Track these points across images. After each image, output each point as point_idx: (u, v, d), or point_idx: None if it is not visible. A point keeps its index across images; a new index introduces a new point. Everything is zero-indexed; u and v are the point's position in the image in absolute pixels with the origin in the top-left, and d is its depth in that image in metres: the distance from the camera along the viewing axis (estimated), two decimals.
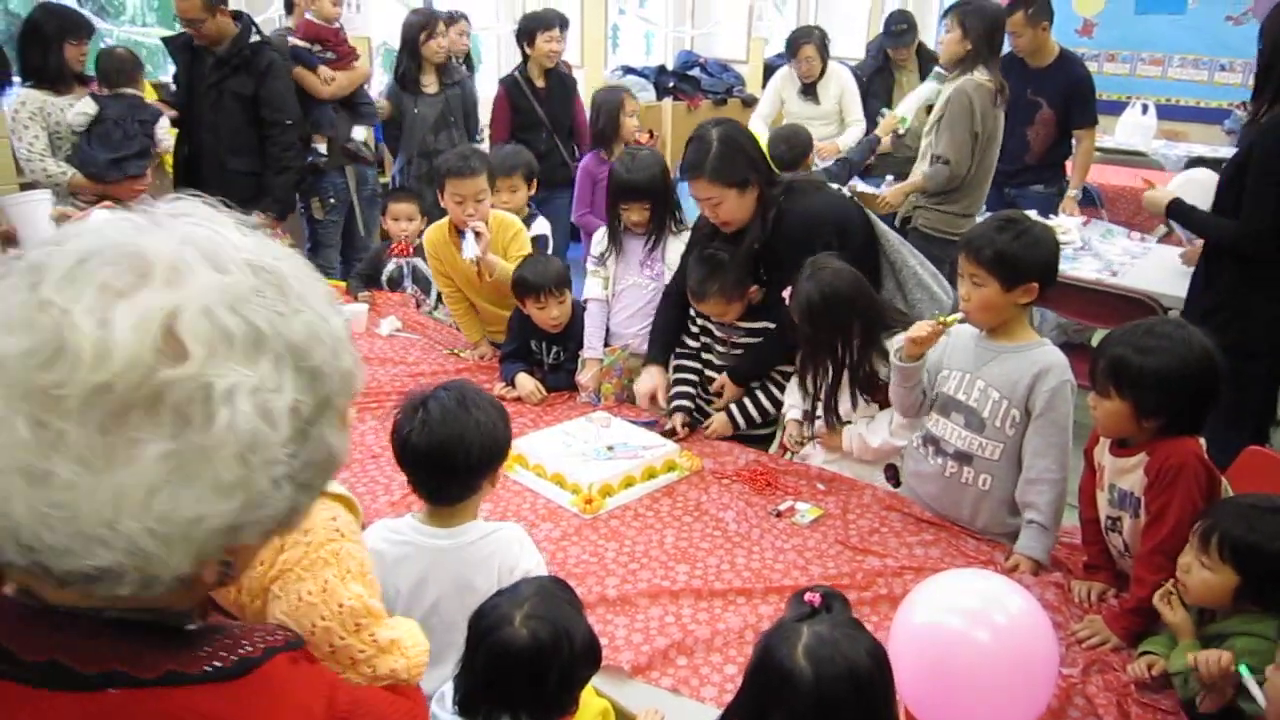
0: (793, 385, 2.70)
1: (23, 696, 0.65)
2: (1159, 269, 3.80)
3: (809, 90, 5.24)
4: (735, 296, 2.60)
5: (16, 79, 3.62)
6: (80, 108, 3.61)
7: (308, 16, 4.43)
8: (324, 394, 0.71)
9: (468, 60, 5.57)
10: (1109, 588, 1.97)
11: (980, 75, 3.84)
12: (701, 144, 2.52)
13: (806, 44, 5.16)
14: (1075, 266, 3.79)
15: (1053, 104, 4.43)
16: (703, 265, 2.60)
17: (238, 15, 3.93)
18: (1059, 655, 1.74)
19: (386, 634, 1.31)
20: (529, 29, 4.71)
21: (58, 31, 3.53)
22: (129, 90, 3.68)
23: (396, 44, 4.89)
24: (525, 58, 4.75)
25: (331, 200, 4.53)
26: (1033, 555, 2.04)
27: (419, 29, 4.68)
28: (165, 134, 3.75)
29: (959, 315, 2.15)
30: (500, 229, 3.15)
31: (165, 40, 4.02)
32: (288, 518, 0.72)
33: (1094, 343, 4.33)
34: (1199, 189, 3.29)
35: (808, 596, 1.29)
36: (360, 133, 4.61)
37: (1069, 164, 4.67)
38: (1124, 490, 1.89)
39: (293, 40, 4.35)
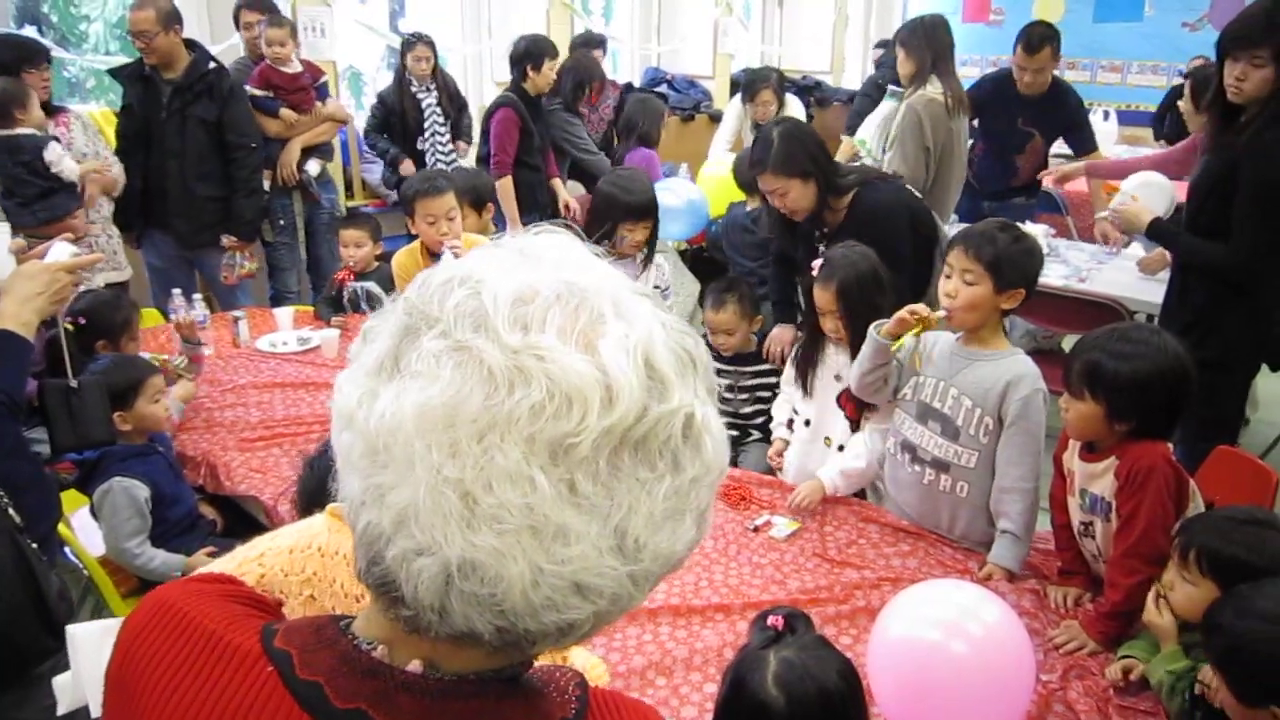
0: (780, 400, 2.72)
1: None
2: (1125, 274, 3.84)
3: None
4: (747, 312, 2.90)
5: None
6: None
7: (266, 61, 4.41)
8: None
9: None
10: (1085, 592, 1.98)
11: (932, 89, 3.83)
12: (765, 141, 2.87)
13: (765, 88, 5.33)
14: (1043, 274, 3.80)
15: (1046, 136, 4.40)
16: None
17: (190, 44, 3.90)
18: (1036, 663, 1.76)
19: (578, 659, 1.30)
20: (537, 54, 4.65)
21: (15, 61, 3.47)
22: (6, 132, 3.40)
23: (363, 69, 4.88)
24: (523, 79, 4.67)
25: (281, 222, 4.51)
26: (1005, 565, 2.05)
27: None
28: (60, 159, 3.47)
29: (941, 312, 2.14)
30: (470, 248, 3.13)
31: (113, 71, 3.93)
32: None
33: (1064, 348, 4.38)
34: (1156, 191, 3.33)
35: (770, 620, 1.28)
36: (314, 167, 4.58)
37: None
38: (1095, 495, 1.90)
39: (250, 89, 4.34)
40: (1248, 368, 2.86)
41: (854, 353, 2.50)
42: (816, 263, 2.55)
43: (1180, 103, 3.73)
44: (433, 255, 3.04)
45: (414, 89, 4.88)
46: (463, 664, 0.62)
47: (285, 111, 4.38)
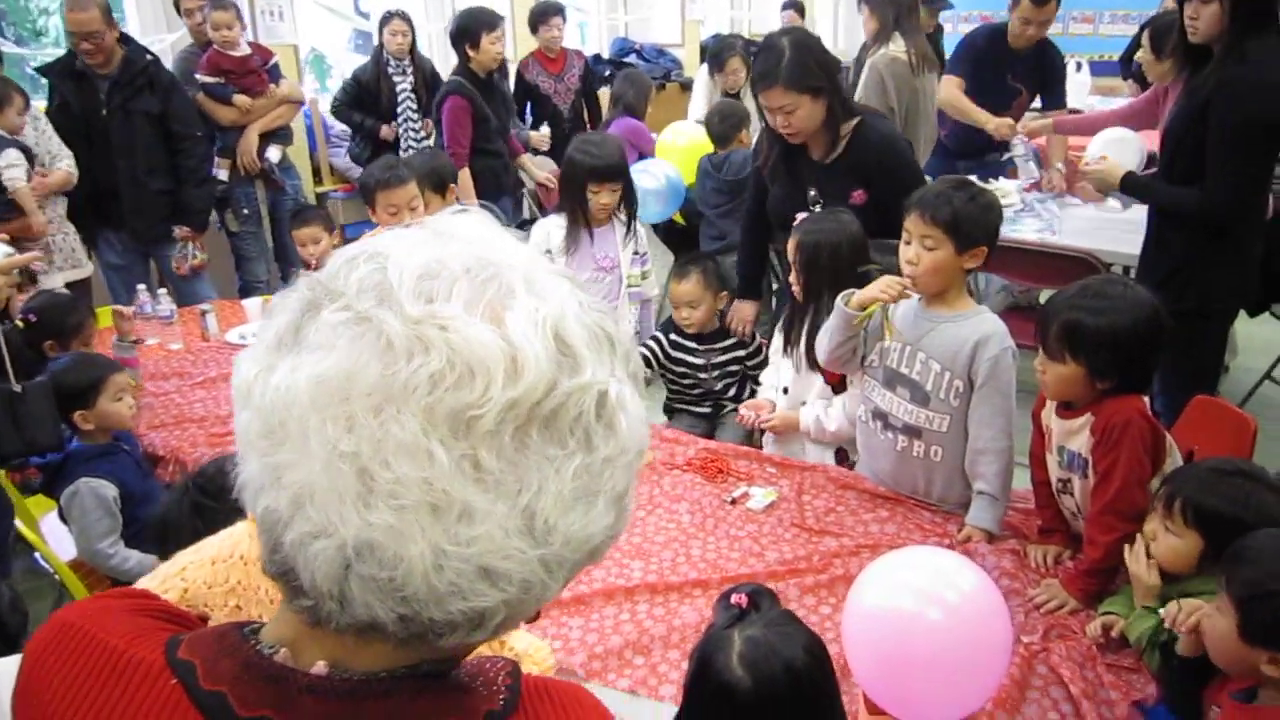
0: (770, 370, 2.70)
1: None
2: (1098, 226, 3.80)
3: (734, 97, 5.28)
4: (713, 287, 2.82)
5: None
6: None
7: (214, 46, 4.32)
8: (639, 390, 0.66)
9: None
10: (1065, 550, 1.96)
11: (894, 47, 3.77)
12: (773, 52, 2.56)
13: (732, 56, 5.25)
14: (1017, 229, 3.78)
15: (1030, 90, 4.34)
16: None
17: (123, 37, 3.82)
18: (1017, 624, 1.75)
19: (520, 644, 1.27)
20: (473, 30, 4.42)
21: None
22: None
23: (326, 51, 4.79)
24: (466, 60, 4.48)
25: (245, 211, 4.46)
26: (984, 526, 2.03)
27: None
28: (12, 166, 3.38)
29: (906, 281, 2.09)
30: None
31: (42, 69, 3.82)
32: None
33: (1041, 303, 4.35)
34: (1124, 146, 3.29)
35: (734, 598, 1.26)
36: (275, 153, 4.50)
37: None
38: (1072, 452, 1.88)
39: (200, 76, 4.26)
40: (1227, 315, 2.83)
41: (803, 314, 2.49)
42: (801, 215, 2.51)
43: (1139, 53, 3.65)
44: None
45: (390, 69, 4.77)
46: (371, 662, 0.59)
47: (239, 98, 4.31)
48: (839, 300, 2.18)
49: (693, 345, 2.98)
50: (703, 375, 2.99)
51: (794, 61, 2.53)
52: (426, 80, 4.90)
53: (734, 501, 2.24)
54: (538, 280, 0.59)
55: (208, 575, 1.17)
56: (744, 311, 3.04)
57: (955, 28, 8.19)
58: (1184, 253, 2.65)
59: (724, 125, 4.19)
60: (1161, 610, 1.53)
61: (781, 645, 1.18)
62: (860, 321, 2.15)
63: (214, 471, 1.61)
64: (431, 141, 4.88)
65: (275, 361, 0.56)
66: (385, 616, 0.55)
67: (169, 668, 0.59)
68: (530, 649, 1.26)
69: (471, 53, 4.42)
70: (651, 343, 2.99)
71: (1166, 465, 1.79)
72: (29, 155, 3.45)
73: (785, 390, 2.64)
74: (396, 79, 4.81)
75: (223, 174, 4.41)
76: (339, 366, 0.53)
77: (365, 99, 4.84)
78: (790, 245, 2.44)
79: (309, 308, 0.57)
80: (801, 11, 6.79)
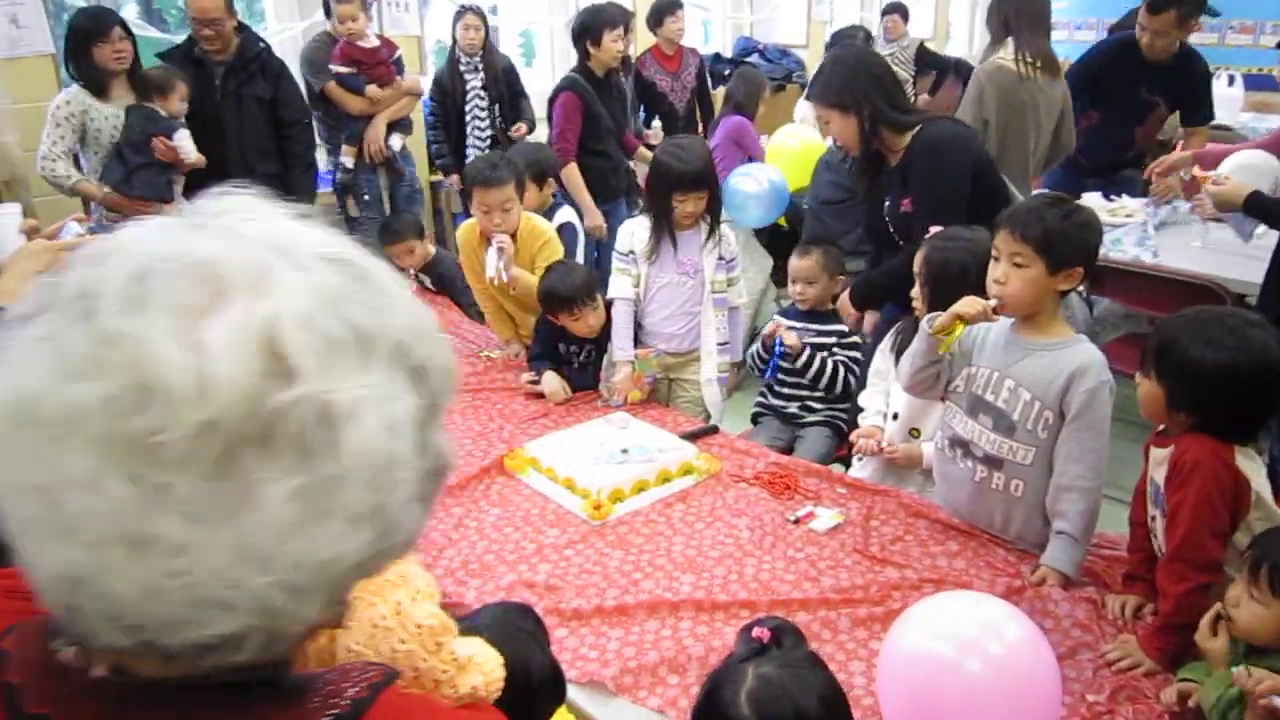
0: (870, 392, 2.60)
1: None
2: (1226, 255, 3.50)
3: None
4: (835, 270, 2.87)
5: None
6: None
7: (341, 40, 4.45)
8: (433, 394, 0.62)
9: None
10: (1146, 601, 1.81)
11: (1003, 53, 3.55)
12: (819, 67, 2.86)
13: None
14: (1135, 254, 3.53)
15: (1170, 104, 4.03)
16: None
17: (238, 25, 3.96)
18: (1082, 682, 1.62)
19: (464, 651, 1.27)
20: (595, 28, 4.30)
21: (84, 35, 3.54)
22: (149, 105, 3.62)
23: (449, 41, 4.87)
24: (585, 58, 4.38)
25: (366, 198, 4.59)
26: (1060, 569, 1.89)
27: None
28: (187, 145, 3.68)
29: (993, 302, 1.96)
30: (529, 238, 3.08)
31: (162, 55, 3.97)
32: (413, 540, 0.63)
33: None
34: (1253, 172, 3.02)
35: (756, 630, 1.19)
36: (397, 142, 4.62)
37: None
38: (1157, 485, 1.74)
39: (335, 68, 4.41)
40: None
41: None
42: (935, 229, 2.42)
43: (1276, 70, 3.33)
44: (488, 240, 3.00)
45: (462, 67, 4.78)
46: (154, 669, 0.56)
47: (371, 89, 4.45)
48: (924, 322, 2.08)
49: (793, 323, 2.92)
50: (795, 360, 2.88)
51: (826, 78, 2.75)
52: (498, 78, 4.84)
53: (797, 521, 2.16)
54: (266, 274, 0.54)
55: None
56: (851, 310, 2.94)
57: (1072, 35, 7.77)
58: None
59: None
60: (1234, 669, 1.39)
61: (796, 689, 1.11)
62: (945, 346, 2.04)
63: None
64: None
65: None
66: (126, 644, 0.53)
67: None
68: (479, 657, 1.22)
69: (592, 50, 4.32)
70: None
71: (1255, 520, 1.62)
72: None
73: (895, 416, 2.51)
74: (467, 76, 4.78)
75: (349, 161, 4.56)
76: (21, 389, 0.50)
77: (447, 103, 4.82)
78: (918, 259, 2.33)
79: (22, 320, 0.54)
80: (905, 15, 6.54)
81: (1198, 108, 4.07)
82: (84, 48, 3.53)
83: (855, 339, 2.93)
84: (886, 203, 2.70)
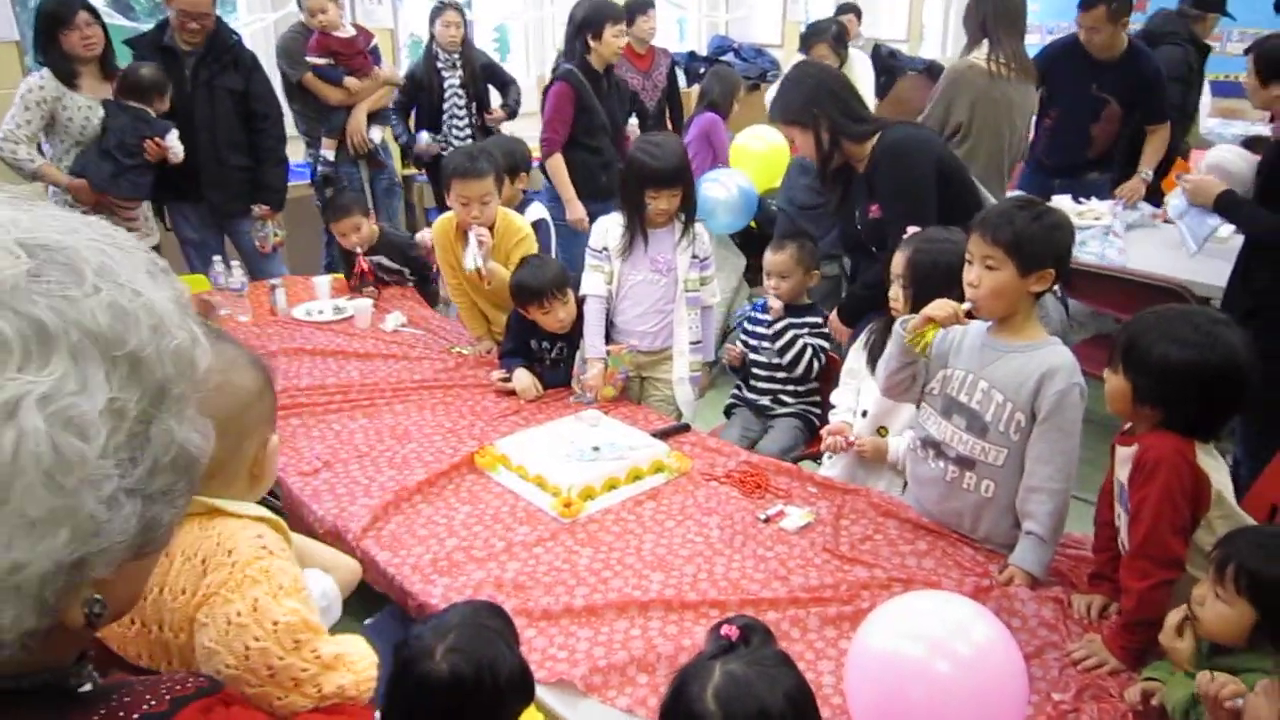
0: (843, 390, 2.60)
1: None
2: (1186, 258, 3.55)
3: None
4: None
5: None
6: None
7: (316, 30, 4.41)
8: (155, 383, 0.59)
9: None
10: (1111, 601, 1.83)
11: (977, 54, 3.65)
12: (779, 86, 2.87)
13: (819, 43, 5.08)
14: (1103, 255, 3.57)
15: (1122, 101, 4.11)
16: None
17: None
18: (1048, 681, 1.63)
19: (330, 649, 1.24)
20: (597, 21, 4.23)
21: (52, 21, 3.47)
22: (136, 104, 3.57)
23: (424, 35, 4.83)
24: (585, 51, 4.29)
25: (345, 189, 4.55)
26: (1027, 568, 1.91)
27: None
28: (177, 145, 3.66)
29: (967, 305, 1.98)
30: (505, 234, 3.06)
31: (130, 41, 3.91)
32: (145, 536, 0.61)
33: None
34: (1225, 175, 3.06)
35: (725, 629, 1.19)
36: (377, 134, 4.58)
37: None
38: (1122, 483, 1.76)
39: (311, 58, 4.36)
40: None
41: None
42: (912, 229, 2.44)
43: (1243, 77, 3.39)
44: (463, 233, 2.98)
45: (439, 64, 4.73)
46: None
47: (350, 80, 4.41)
48: (897, 325, 2.08)
49: (759, 315, 2.99)
50: (766, 345, 2.95)
51: (784, 98, 2.81)
52: (476, 75, 4.81)
53: (768, 519, 2.16)
54: None
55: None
56: (840, 327, 2.96)
57: (1044, 39, 7.85)
58: (1270, 288, 2.46)
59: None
60: (1198, 675, 1.40)
61: (762, 687, 1.11)
62: (922, 349, 2.04)
63: None
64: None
65: None
66: None
67: None
68: (349, 656, 1.21)
69: (594, 43, 4.25)
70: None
71: (1215, 519, 1.64)
72: None
73: (864, 414, 2.52)
74: (445, 73, 4.73)
75: (329, 154, 4.51)
76: None
77: (420, 97, 4.78)
78: (898, 260, 2.33)
79: None
80: (859, 15, 6.56)
81: (1151, 104, 4.17)
82: (52, 34, 3.46)
83: (826, 330, 2.96)
84: (857, 211, 2.71)
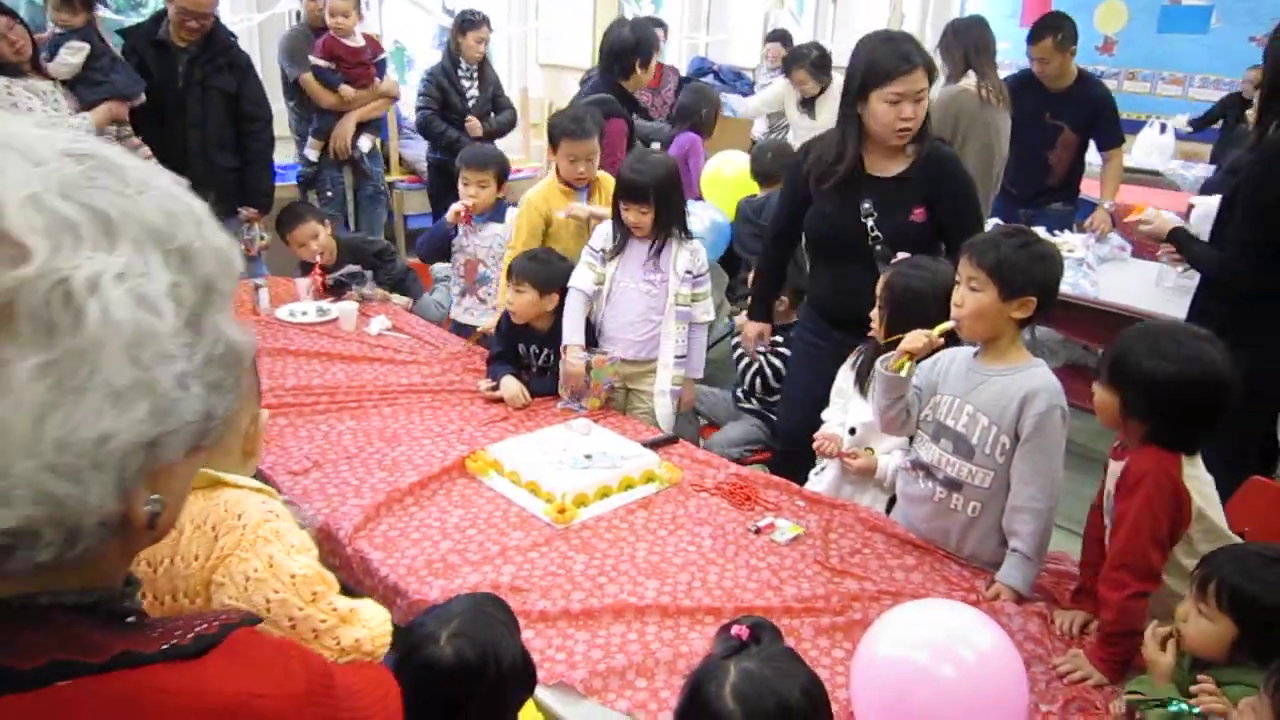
0: (831, 408, 2.65)
1: None
2: (1152, 286, 3.69)
3: (807, 104, 5.37)
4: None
5: None
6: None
7: (326, 34, 4.42)
8: (203, 276, 0.62)
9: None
10: (1092, 618, 1.88)
11: (966, 81, 3.88)
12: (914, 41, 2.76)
13: (799, 68, 5.26)
14: (1079, 286, 3.69)
15: (1075, 127, 4.31)
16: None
17: None
18: (1030, 694, 1.67)
19: (345, 603, 1.26)
20: (646, 49, 4.02)
21: None
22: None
23: (409, 44, 4.85)
24: (624, 76, 4.05)
25: (329, 194, 4.57)
26: (1013, 585, 1.96)
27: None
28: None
29: (949, 324, 2.05)
30: (605, 182, 3.30)
31: (124, 32, 3.89)
32: (207, 426, 0.63)
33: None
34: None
35: (735, 630, 1.22)
36: (366, 143, 4.58)
37: (1092, 181, 4.60)
38: (1111, 496, 1.82)
39: (314, 60, 4.36)
40: (1273, 397, 2.71)
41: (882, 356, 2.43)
42: (902, 255, 2.50)
43: (1248, 112, 3.64)
44: (573, 187, 3.27)
45: (460, 73, 4.79)
46: None
47: (345, 88, 4.42)
48: (878, 364, 2.13)
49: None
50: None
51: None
52: (489, 92, 4.89)
53: (758, 531, 2.20)
54: None
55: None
56: (752, 331, 3.09)
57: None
58: (1227, 321, 2.57)
59: (774, 163, 4.00)
60: (1182, 705, 1.45)
61: (778, 682, 1.13)
62: (907, 373, 2.09)
63: None
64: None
65: None
66: None
67: None
68: (363, 611, 1.24)
69: (640, 71, 4.06)
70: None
71: (1195, 534, 1.70)
72: None
73: (852, 431, 2.55)
74: (465, 84, 4.81)
75: (313, 154, 4.50)
76: None
77: (447, 101, 4.82)
78: (879, 284, 2.39)
79: None
80: (788, 43, 6.67)
81: (1104, 131, 4.38)
82: None
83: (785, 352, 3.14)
84: (866, 204, 2.64)
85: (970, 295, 1.99)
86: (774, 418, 3.15)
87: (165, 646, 0.61)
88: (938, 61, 4.04)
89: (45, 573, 0.58)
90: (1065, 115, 4.30)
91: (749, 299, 3.17)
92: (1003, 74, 4.11)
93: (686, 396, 3.03)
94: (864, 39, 2.65)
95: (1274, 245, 2.50)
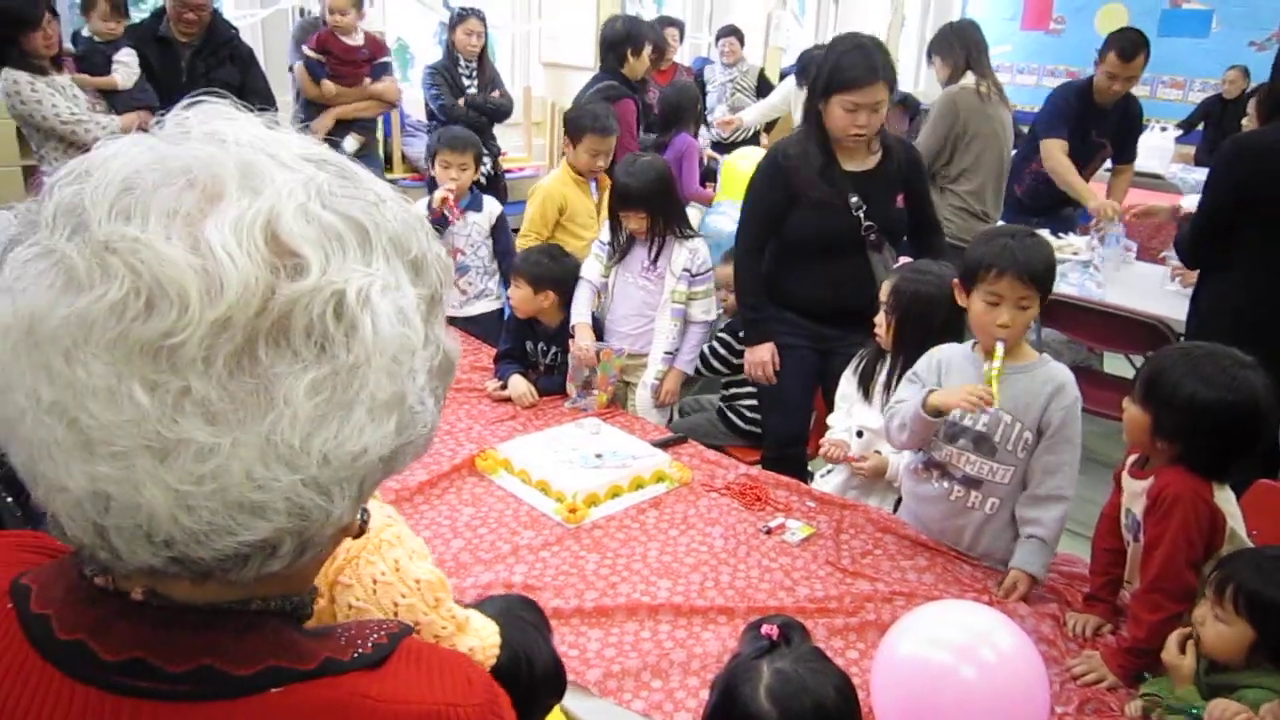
0: (836, 413, 2.64)
1: (170, 715, 0.55)
2: (1169, 293, 3.69)
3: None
4: None
5: None
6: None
7: (324, 27, 4.43)
8: (432, 288, 0.61)
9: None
10: (1106, 622, 1.88)
11: (966, 80, 3.95)
12: (878, 51, 2.77)
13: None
14: (1085, 288, 3.69)
15: (1111, 142, 4.30)
16: None
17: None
18: (1050, 695, 1.68)
19: (461, 611, 1.26)
20: (637, 37, 4.52)
21: (13, 27, 3.35)
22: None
23: (411, 41, 4.85)
24: (620, 64, 4.53)
25: None
26: (1031, 570, 1.96)
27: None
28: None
29: (999, 365, 1.94)
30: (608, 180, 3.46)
31: (125, 31, 3.85)
32: (429, 438, 0.63)
33: (1103, 369, 4.25)
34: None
35: (765, 629, 1.22)
36: (351, 143, 4.56)
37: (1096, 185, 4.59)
38: (1134, 515, 1.82)
39: (305, 49, 4.36)
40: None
41: (890, 361, 2.43)
42: (904, 259, 2.51)
43: (1244, 121, 3.63)
44: (584, 178, 3.48)
45: (460, 70, 4.80)
46: (187, 593, 0.56)
47: (325, 84, 4.40)
48: (917, 404, 2.04)
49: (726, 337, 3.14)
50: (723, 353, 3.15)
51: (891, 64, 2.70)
52: (489, 87, 4.90)
53: (769, 531, 2.19)
54: (256, 173, 0.53)
55: None
56: (765, 354, 2.82)
57: (1039, 80, 8.11)
58: (1209, 309, 2.69)
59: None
60: (1203, 713, 1.46)
61: (812, 682, 1.13)
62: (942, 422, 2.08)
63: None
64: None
65: None
66: (157, 563, 0.52)
67: (8, 593, 0.59)
68: (475, 622, 1.24)
69: (632, 59, 4.53)
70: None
71: (1225, 551, 1.71)
72: None
73: (860, 434, 2.53)
74: (465, 81, 4.82)
75: None
76: (24, 309, 0.49)
77: (453, 91, 4.84)
78: (885, 289, 2.39)
79: (11, 245, 0.52)
80: (741, 40, 6.72)
81: (1129, 147, 4.40)
82: (13, 43, 3.36)
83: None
84: (854, 198, 2.66)
85: (1020, 314, 1.96)
86: (738, 413, 3.19)
87: (356, 654, 0.61)
88: (936, 62, 4.13)
89: (265, 580, 0.58)
90: (1107, 131, 4.24)
91: (744, 329, 2.96)
92: (1001, 76, 4.19)
93: (668, 386, 3.01)
94: (836, 40, 2.74)
95: (1211, 226, 2.75)
